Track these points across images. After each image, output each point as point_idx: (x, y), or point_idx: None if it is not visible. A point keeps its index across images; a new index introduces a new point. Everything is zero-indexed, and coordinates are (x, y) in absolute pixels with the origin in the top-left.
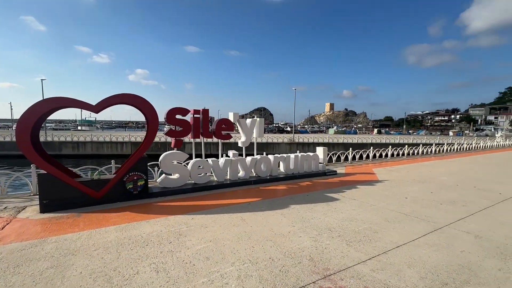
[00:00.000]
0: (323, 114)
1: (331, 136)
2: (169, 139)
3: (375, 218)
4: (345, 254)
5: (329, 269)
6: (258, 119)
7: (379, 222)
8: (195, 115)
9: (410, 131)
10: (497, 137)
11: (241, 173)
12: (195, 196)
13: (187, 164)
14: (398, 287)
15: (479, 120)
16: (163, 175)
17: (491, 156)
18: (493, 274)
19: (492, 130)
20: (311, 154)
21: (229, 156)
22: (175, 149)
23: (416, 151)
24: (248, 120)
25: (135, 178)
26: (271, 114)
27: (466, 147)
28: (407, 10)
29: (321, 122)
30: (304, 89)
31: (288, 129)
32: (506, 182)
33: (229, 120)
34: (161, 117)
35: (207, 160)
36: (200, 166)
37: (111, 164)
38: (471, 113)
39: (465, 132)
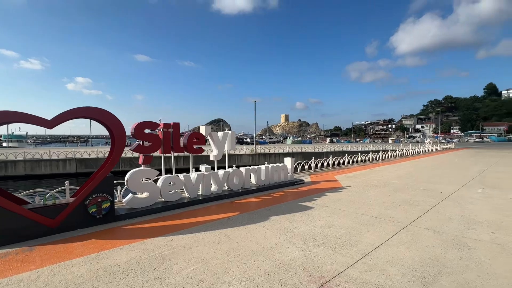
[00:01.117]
0: (279, 125)
1: (290, 146)
2: (136, 154)
3: (350, 222)
4: (334, 260)
5: (324, 276)
6: (229, 132)
7: (354, 226)
8: (165, 129)
9: (357, 140)
10: (426, 144)
11: (214, 188)
12: (168, 215)
13: (157, 181)
14: (388, 286)
15: (410, 129)
16: (130, 194)
17: (426, 160)
18: (456, 263)
19: (421, 137)
20: (280, 165)
21: (201, 171)
22: (143, 166)
23: (366, 158)
24: (220, 133)
25: (99, 200)
26: (228, 126)
27: (405, 153)
28: (349, 29)
29: (278, 133)
30: (260, 100)
31: (248, 140)
32: (443, 182)
33: (201, 133)
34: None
35: (178, 176)
36: (171, 183)
37: (64, 185)
38: (403, 122)
39: (401, 139)
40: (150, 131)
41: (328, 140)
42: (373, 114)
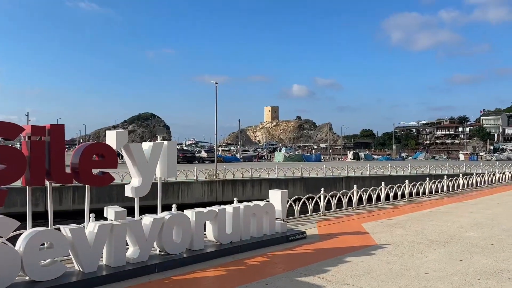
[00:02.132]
0: (261, 126)
1: (280, 165)
2: None
3: None
4: None
5: None
6: (166, 142)
7: None
8: (34, 138)
9: (403, 154)
10: None
11: (133, 252)
12: None
13: (19, 238)
14: None
15: (495, 134)
16: None
17: None
18: None
19: None
20: (262, 203)
21: (108, 218)
22: None
23: (419, 190)
24: (147, 145)
25: None
26: (165, 128)
27: (488, 179)
28: None
29: (259, 141)
30: (226, 81)
31: (204, 155)
32: None
33: (108, 145)
34: None
35: (61, 230)
36: (45, 244)
37: None
38: (484, 123)
39: (481, 154)
40: (3, 140)
41: (350, 154)
42: (430, 107)
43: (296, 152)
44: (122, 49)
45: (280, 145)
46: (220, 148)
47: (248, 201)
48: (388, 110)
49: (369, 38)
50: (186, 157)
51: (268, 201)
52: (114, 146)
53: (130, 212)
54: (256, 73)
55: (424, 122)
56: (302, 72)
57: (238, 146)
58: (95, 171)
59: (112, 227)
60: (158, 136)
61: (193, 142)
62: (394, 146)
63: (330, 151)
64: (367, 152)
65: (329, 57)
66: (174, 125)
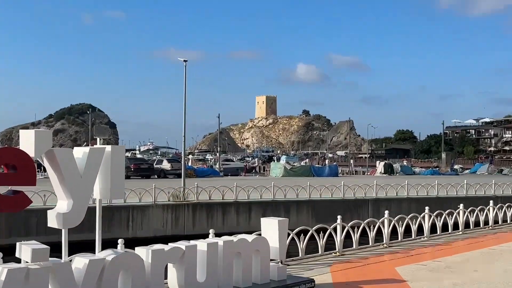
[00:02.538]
0: (251, 124)
1: (278, 182)
2: None
3: None
4: None
5: None
6: (110, 147)
7: None
8: None
9: (456, 167)
10: None
11: None
12: None
13: None
14: None
15: None
16: None
17: None
18: None
19: None
20: (250, 238)
21: (21, 260)
22: None
23: (481, 218)
24: (81, 151)
25: None
26: (111, 125)
27: None
28: None
29: (246, 147)
30: (199, 58)
31: (167, 166)
32: None
33: (22, 152)
34: None
35: None
36: None
37: None
38: None
39: None
40: None
41: (380, 166)
42: (496, 99)
43: (302, 163)
44: (45, 9)
45: (279, 152)
46: (190, 157)
47: (231, 234)
48: (436, 102)
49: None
50: (141, 169)
51: (260, 235)
52: (31, 153)
53: (56, 250)
54: (243, 46)
55: (487, 120)
56: (311, 46)
57: (217, 154)
58: (2, 189)
59: (28, 272)
60: (98, 139)
61: (151, 148)
62: (443, 155)
63: (352, 161)
64: (405, 163)
65: (350, 25)
66: (122, 122)
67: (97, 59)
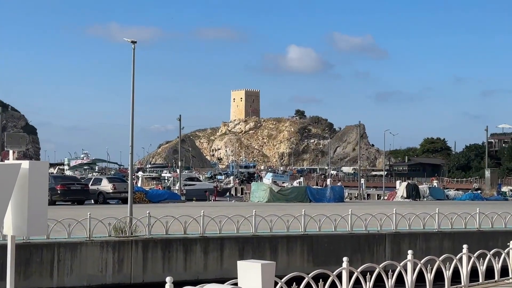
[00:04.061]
0: (224, 129)
1: (261, 209)
2: None
3: None
4: None
5: None
6: (25, 163)
7: None
8: None
9: (504, 189)
10: None
11: None
12: None
13: None
14: None
15: None
16: None
17: None
18: None
19: None
20: None
21: None
22: None
23: None
24: None
25: None
26: (30, 131)
27: None
28: None
29: (218, 160)
30: (155, 36)
31: (106, 186)
32: None
33: None
34: None
35: None
36: None
37: None
38: None
39: None
40: None
41: (402, 188)
42: None
43: (295, 183)
44: None
45: (262, 168)
46: (140, 174)
47: (196, 283)
48: (477, 101)
49: None
50: (71, 191)
51: (237, 284)
52: None
53: None
54: (214, 22)
55: None
56: (308, 23)
57: (178, 170)
58: None
59: None
60: (11, 151)
61: (85, 162)
62: (487, 173)
63: (363, 181)
64: (435, 183)
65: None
66: (45, 125)
67: (9, 40)
